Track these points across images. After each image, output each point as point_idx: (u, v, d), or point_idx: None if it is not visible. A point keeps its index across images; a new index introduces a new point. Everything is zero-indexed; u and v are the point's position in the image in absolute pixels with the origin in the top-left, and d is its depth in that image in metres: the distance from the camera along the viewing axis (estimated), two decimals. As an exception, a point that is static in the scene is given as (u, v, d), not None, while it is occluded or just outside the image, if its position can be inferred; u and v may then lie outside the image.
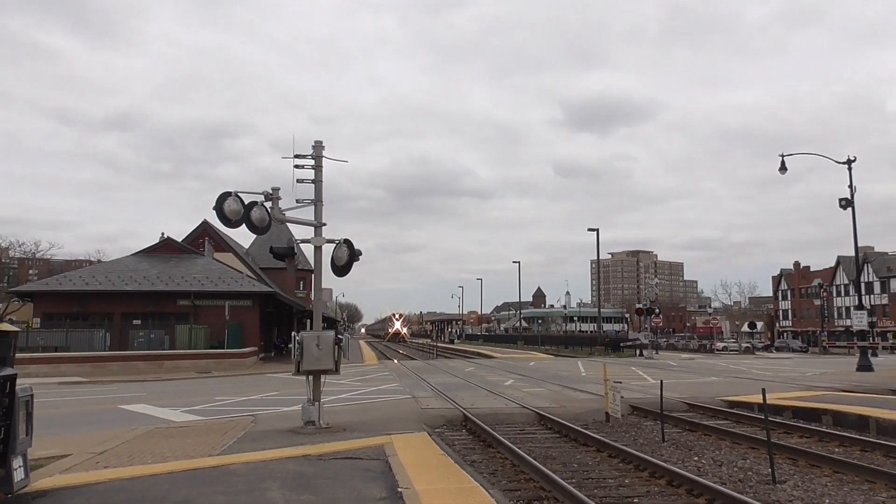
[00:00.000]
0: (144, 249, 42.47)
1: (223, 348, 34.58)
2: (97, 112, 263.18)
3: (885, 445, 10.74)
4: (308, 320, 13.24)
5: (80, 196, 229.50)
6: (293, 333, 12.37)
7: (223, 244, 49.64)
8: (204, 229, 50.03)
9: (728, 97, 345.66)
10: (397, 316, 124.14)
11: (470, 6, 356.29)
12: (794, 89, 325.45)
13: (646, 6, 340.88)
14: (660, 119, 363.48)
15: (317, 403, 12.29)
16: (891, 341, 71.16)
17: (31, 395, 7.15)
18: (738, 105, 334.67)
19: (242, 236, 63.72)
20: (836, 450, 10.99)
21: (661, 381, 13.88)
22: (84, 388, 24.66)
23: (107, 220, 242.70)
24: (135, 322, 36.04)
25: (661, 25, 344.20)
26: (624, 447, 10.71)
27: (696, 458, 10.47)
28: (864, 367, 27.81)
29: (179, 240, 45.61)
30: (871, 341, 34.87)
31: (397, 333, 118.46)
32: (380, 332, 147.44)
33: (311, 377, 12.31)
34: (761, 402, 9.95)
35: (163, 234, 45.19)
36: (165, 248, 42.66)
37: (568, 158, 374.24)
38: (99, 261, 77.79)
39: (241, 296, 37.55)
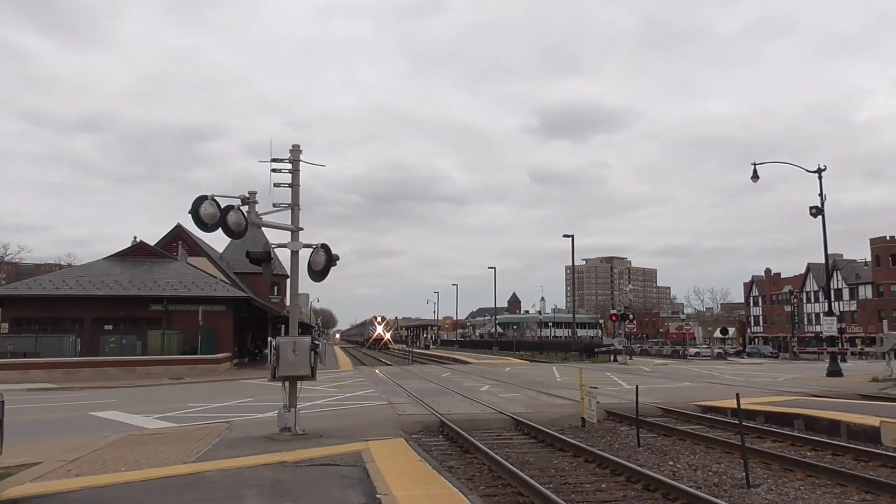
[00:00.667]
0: (117, 253, 41.86)
1: (196, 354, 34.17)
2: (68, 113, 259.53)
3: (856, 449, 10.94)
4: (283, 326, 13.16)
5: (50, 199, 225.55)
6: (269, 339, 12.27)
7: (197, 248, 49.11)
8: (177, 233, 49.45)
9: (701, 106, 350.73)
10: (379, 319, 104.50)
11: (447, 13, 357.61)
12: (765, 99, 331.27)
13: (620, 16, 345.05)
14: (634, 127, 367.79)
15: (293, 409, 12.20)
16: (859, 347, 72.45)
17: (2, 402, 7.01)
18: (710, 114, 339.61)
19: (216, 241, 63.01)
20: (809, 454, 11.16)
21: (637, 387, 14.00)
22: (54, 394, 24.19)
23: (78, 223, 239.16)
24: (106, 327, 35.49)
25: (635, 35, 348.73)
26: (600, 452, 10.77)
27: (671, 463, 10.57)
28: (834, 372, 28.32)
29: (152, 244, 45.01)
30: (840, 347, 35.51)
31: (379, 339, 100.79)
32: (357, 338, 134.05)
33: (286, 383, 12.22)
34: (734, 407, 10.08)
35: (135, 237, 44.60)
36: (138, 252, 42.09)
37: (543, 165, 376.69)
38: (69, 265, 76.48)
39: (215, 301, 37.15)
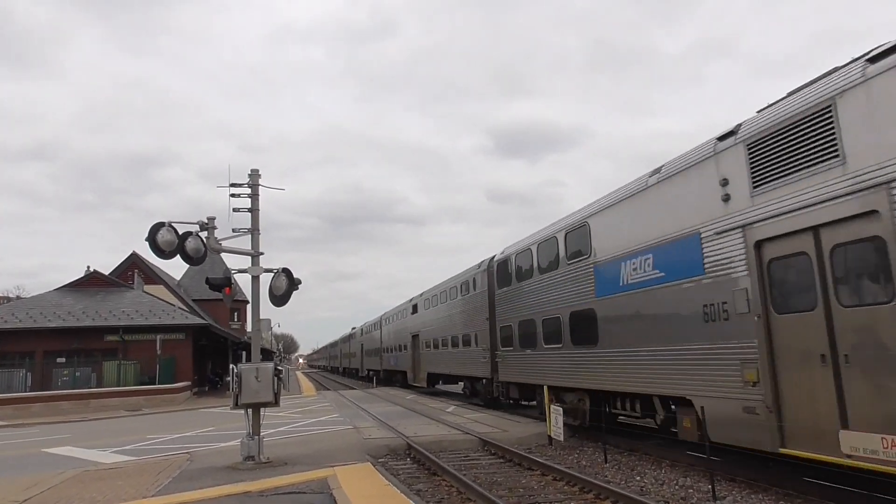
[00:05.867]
0: (69, 284, 40.71)
1: (155, 384, 33.34)
2: (12, 142, 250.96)
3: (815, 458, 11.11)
4: (244, 352, 12.98)
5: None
6: (231, 366, 12.06)
7: (153, 276, 48.10)
8: (133, 261, 48.43)
9: (650, 124, 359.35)
10: None
11: (396, 37, 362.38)
12: (710, 116, 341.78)
13: (568, 38, 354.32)
14: (587, 146, 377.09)
15: (256, 437, 11.97)
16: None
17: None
18: (660, 131, 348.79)
19: (174, 268, 61.93)
20: (771, 464, 11.31)
21: (603, 402, 14.08)
22: (4, 431, 23.28)
23: (26, 253, 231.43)
24: (59, 360, 34.38)
25: (584, 57, 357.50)
26: (568, 470, 10.78)
27: (638, 478, 10.62)
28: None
29: (107, 273, 43.92)
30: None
31: None
32: (322, 362, 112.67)
33: (249, 410, 12.01)
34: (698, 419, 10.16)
35: (88, 267, 43.39)
36: (91, 281, 41.00)
37: (500, 184, 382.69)
38: (18, 297, 74.09)
39: (173, 329, 36.34)
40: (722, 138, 9.96)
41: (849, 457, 7.61)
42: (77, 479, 11.42)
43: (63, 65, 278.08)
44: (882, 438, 7.24)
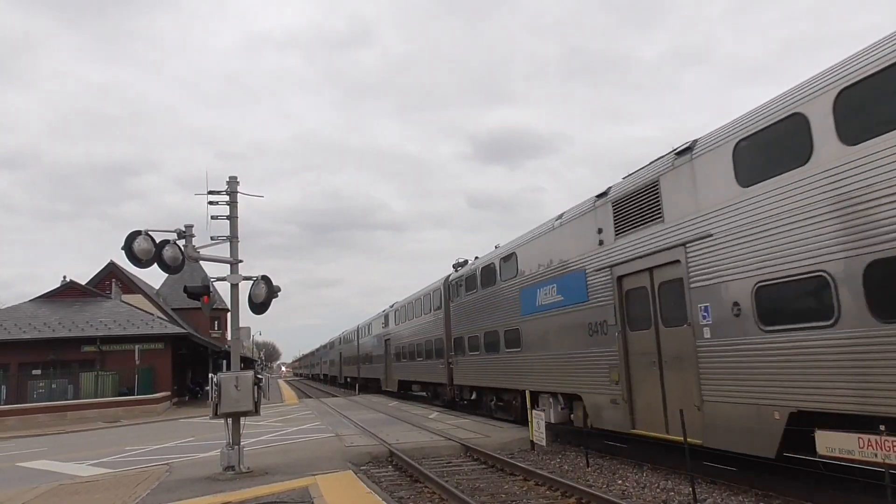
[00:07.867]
0: (44, 294, 40.14)
1: (133, 395, 32.92)
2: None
3: (793, 459, 11.23)
4: (224, 361, 12.86)
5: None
6: (210, 375, 11.95)
7: (132, 285, 47.58)
8: (110, 270, 47.85)
9: (628, 130, 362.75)
10: None
11: (374, 45, 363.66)
12: (688, 122, 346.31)
13: (545, 46, 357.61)
14: (565, 152, 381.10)
15: (237, 447, 11.87)
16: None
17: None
18: (638, 137, 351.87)
19: (153, 277, 61.26)
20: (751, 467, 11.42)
21: (584, 406, 14.11)
22: (-23, 445, 22.85)
23: (0, 263, 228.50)
24: (34, 372, 33.82)
25: (561, 64, 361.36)
26: (550, 475, 10.79)
27: (620, 482, 10.66)
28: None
29: (84, 282, 43.37)
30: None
31: None
32: (305, 369, 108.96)
33: (229, 420, 11.91)
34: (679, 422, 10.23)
35: (65, 277, 42.80)
36: (68, 291, 40.45)
37: (480, 191, 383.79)
38: (-7, 307, 72.91)
39: (152, 338, 35.91)
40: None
41: (823, 456, 7.72)
42: (52, 493, 11.23)
43: (36, 73, 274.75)
44: (858, 438, 7.32)
